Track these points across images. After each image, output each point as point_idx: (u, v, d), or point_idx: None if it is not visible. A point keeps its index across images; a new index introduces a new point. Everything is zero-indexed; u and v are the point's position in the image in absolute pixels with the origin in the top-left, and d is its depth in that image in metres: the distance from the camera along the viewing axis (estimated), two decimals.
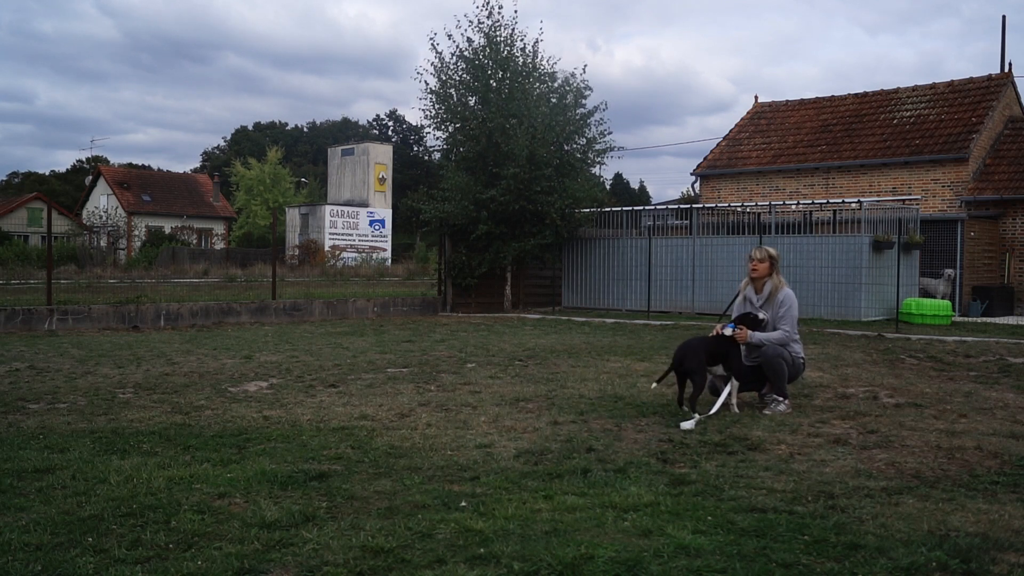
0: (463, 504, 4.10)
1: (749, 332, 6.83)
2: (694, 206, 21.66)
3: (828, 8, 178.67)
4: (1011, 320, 17.81)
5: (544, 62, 20.39)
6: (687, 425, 6.10)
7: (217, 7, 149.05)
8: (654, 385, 7.27)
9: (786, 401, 6.78)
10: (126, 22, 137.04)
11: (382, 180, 54.12)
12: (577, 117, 20.21)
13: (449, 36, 20.42)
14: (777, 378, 6.78)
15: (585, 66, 24.62)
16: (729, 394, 6.73)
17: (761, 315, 6.91)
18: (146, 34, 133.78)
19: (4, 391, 7.55)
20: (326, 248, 48.33)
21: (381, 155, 54.79)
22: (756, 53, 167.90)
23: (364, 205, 53.07)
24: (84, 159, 79.63)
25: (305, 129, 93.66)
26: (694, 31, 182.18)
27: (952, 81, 24.22)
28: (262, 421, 6.25)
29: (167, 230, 54.51)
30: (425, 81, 20.21)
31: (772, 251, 7.21)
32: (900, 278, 16.31)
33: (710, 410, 6.53)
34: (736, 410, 6.66)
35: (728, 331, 6.82)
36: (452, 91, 20.15)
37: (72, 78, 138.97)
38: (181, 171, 77.20)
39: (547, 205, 19.32)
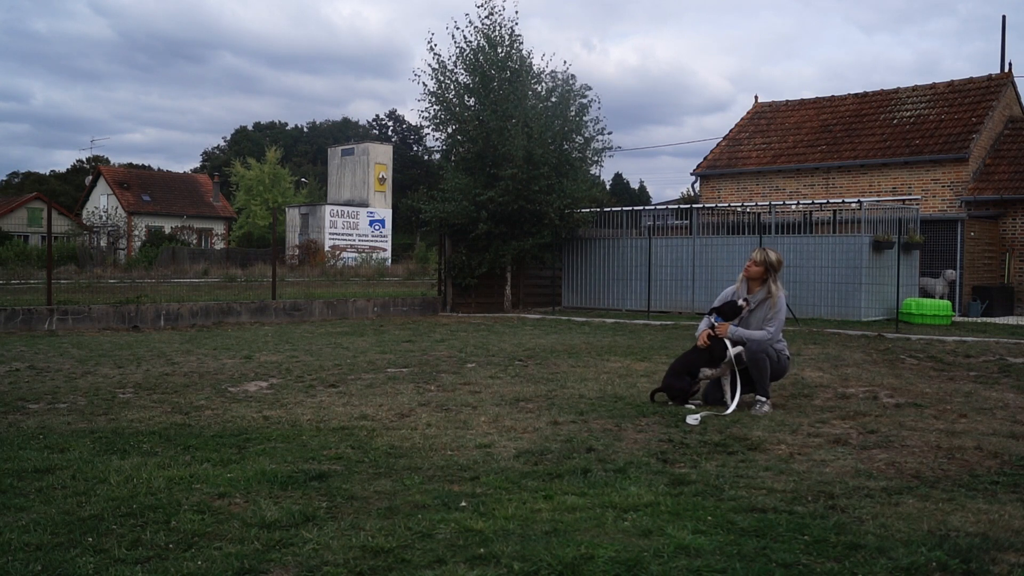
0: (463, 504, 4.10)
1: (730, 327, 6.84)
2: (694, 206, 21.67)
3: (824, 7, 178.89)
4: (1011, 320, 17.81)
5: (536, 59, 20.40)
6: (692, 420, 6.17)
7: (210, 6, 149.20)
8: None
9: (769, 401, 6.79)
10: (120, 21, 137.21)
11: (382, 180, 54.12)
12: (572, 114, 20.23)
13: (452, 37, 20.43)
14: (761, 376, 6.77)
15: (568, 63, 24.64)
16: (732, 389, 6.78)
17: (740, 302, 6.93)
18: (140, 33, 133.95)
19: (4, 391, 7.55)
20: (326, 248, 48.33)
21: (381, 155, 54.78)
22: (752, 52, 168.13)
23: (364, 205, 53.07)
24: (84, 159, 79.73)
25: (305, 129, 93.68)
26: (689, 30, 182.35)
27: (952, 81, 24.22)
28: (262, 421, 6.25)
29: (167, 230, 54.48)
30: (423, 83, 20.24)
31: (773, 257, 6.93)
32: (900, 278, 16.31)
33: (725, 411, 6.58)
34: (736, 400, 6.75)
35: (713, 320, 6.97)
36: (451, 93, 20.16)
37: (67, 77, 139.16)
38: (180, 171, 77.31)
39: (545, 205, 19.33)
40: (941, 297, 18.70)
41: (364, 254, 48.12)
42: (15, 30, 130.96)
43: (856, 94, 26.04)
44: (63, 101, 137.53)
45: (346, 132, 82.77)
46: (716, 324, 6.91)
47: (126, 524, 3.77)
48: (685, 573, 3.24)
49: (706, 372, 6.94)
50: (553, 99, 20.16)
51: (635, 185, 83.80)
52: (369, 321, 17.03)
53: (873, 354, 10.93)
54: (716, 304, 7.09)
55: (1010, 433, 5.89)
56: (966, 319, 18.32)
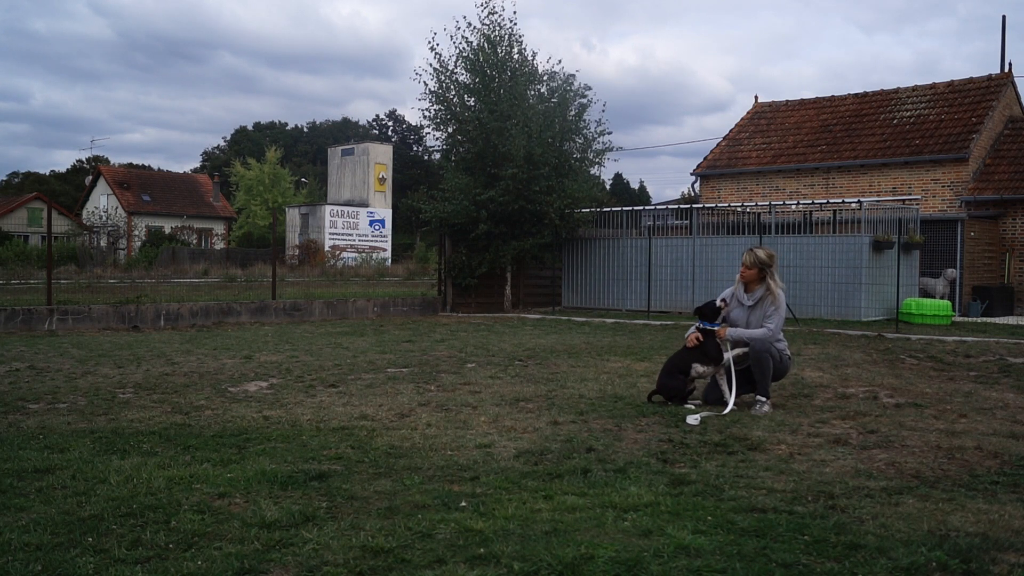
0: (463, 504, 4.10)
1: (729, 329, 6.87)
2: (694, 206, 21.67)
3: (823, 7, 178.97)
4: (1011, 320, 17.81)
5: (541, 60, 20.42)
6: (692, 420, 6.17)
7: (209, 6, 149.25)
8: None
9: (769, 402, 6.78)
10: (119, 21, 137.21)
11: (382, 180, 54.12)
12: (572, 115, 20.24)
13: (451, 38, 20.53)
14: (763, 376, 6.77)
15: (561, 63, 24.73)
16: (729, 386, 6.79)
17: (719, 302, 6.98)
18: (140, 33, 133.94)
19: (4, 391, 7.55)
20: (326, 248, 48.33)
21: (381, 155, 54.79)
22: (752, 52, 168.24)
23: (364, 205, 53.06)
24: (84, 159, 79.75)
25: (305, 129, 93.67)
26: (689, 30, 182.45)
27: (952, 81, 24.22)
28: (262, 421, 6.25)
29: (167, 230, 54.49)
30: (424, 82, 20.24)
31: (764, 256, 6.93)
32: (900, 278, 16.30)
33: (723, 410, 6.60)
34: (733, 396, 6.76)
35: (699, 324, 7.01)
36: (451, 93, 20.16)
37: (67, 77, 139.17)
38: (180, 171, 77.31)
39: (546, 205, 19.33)
40: (942, 297, 18.69)
41: (364, 254, 48.12)
42: (14, 30, 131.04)
43: (856, 94, 26.04)
44: (63, 101, 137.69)
45: (346, 132, 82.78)
46: (716, 328, 6.92)
47: (126, 524, 3.77)
48: (685, 573, 3.24)
49: (698, 368, 6.95)
50: (554, 100, 20.18)
51: (635, 185, 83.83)
52: (369, 321, 17.03)
53: (873, 354, 10.93)
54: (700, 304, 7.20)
55: (1010, 433, 5.89)
56: (966, 319, 18.32)
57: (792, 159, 24.74)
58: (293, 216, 53.42)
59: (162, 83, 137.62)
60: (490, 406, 6.91)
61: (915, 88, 24.85)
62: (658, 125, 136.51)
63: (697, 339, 6.95)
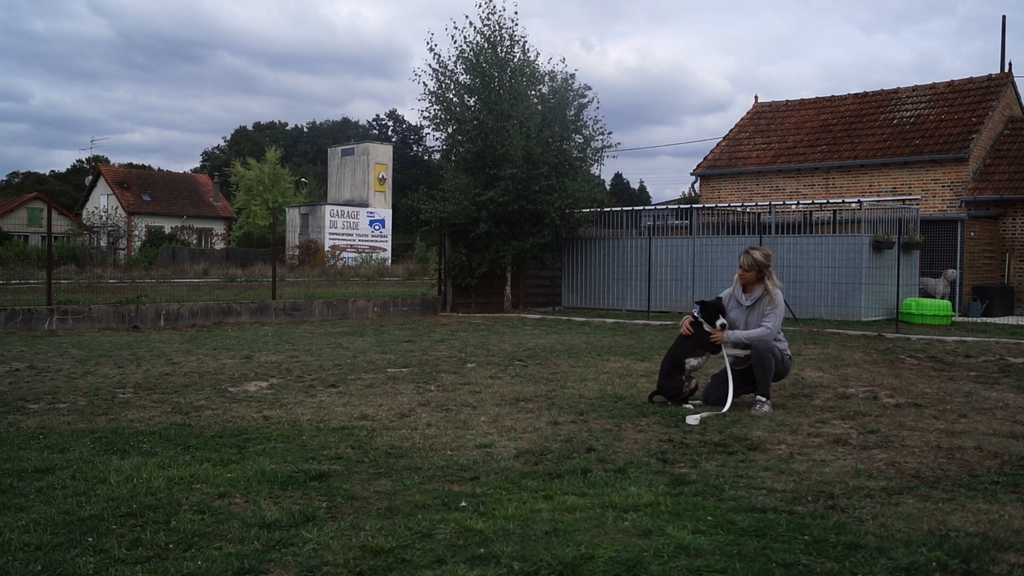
0: (463, 504, 4.10)
1: (726, 332, 6.86)
2: (694, 206, 21.67)
3: (823, 7, 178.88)
4: (1011, 320, 17.81)
5: (543, 60, 20.44)
6: (692, 420, 6.17)
7: (208, 6, 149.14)
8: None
9: (769, 402, 6.78)
10: (118, 21, 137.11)
11: (382, 180, 54.12)
12: (572, 114, 20.25)
13: (452, 39, 20.52)
14: (765, 376, 6.76)
15: (564, 61, 24.73)
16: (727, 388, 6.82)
17: (718, 323, 6.92)
18: (139, 33, 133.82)
19: (4, 391, 7.55)
20: (326, 248, 48.33)
21: (381, 155, 54.80)
22: (751, 52, 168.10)
23: (364, 205, 53.08)
24: (84, 159, 79.73)
25: (305, 129, 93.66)
26: (688, 30, 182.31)
27: (952, 81, 24.22)
28: (262, 421, 6.25)
29: (167, 230, 54.50)
30: (424, 82, 20.24)
31: (760, 257, 6.91)
32: (900, 278, 16.30)
33: (722, 408, 6.62)
34: (730, 399, 6.76)
35: (695, 314, 7.02)
36: (451, 93, 20.17)
37: (66, 77, 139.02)
38: (180, 171, 77.28)
39: (546, 205, 19.33)
40: (942, 297, 18.69)
41: (364, 254, 48.15)
42: (13, 30, 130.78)
43: (856, 94, 26.05)
44: (62, 101, 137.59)
45: (346, 132, 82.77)
46: (713, 330, 6.92)
47: (126, 524, 3.77)
48: (685, 573, 3.24)
49: (691, 363, 6.96)
50: (553, 100, 20.19)
51: (635, 185, 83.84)
52: (369, 321, 17.03)
53: (873, 354, 10.93)
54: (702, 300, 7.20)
55: (1010, 433, 5.89)
56: (966, 319, 18.32)
57: (792, 159, 24.74)
58: (293, 216, 53.43)
59: (162, 83, 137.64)
60: (490, 406, 6.91)
61: (915, 88, 24.86)
62: (657, 125, 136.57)
63: (690, 325, 6.96)
